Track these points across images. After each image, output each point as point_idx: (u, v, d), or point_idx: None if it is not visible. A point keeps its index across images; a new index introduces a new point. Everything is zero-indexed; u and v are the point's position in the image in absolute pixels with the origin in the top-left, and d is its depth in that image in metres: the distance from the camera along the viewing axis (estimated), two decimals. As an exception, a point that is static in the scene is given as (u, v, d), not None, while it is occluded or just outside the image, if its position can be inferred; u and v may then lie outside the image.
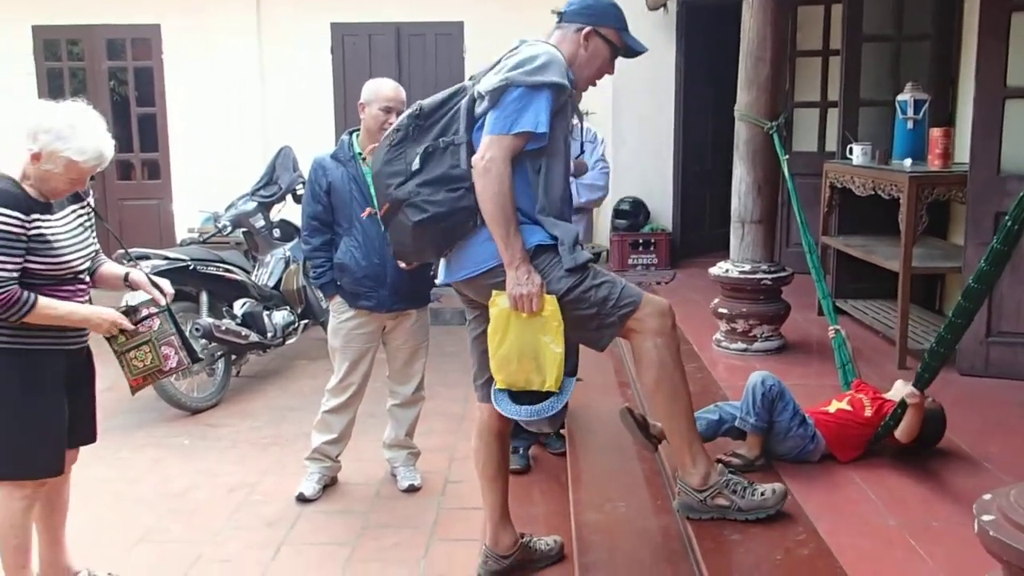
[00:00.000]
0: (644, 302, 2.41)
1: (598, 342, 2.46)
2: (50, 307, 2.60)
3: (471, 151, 2.38)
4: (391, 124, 3.52)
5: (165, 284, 2.97)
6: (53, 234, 2.63)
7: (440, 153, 2.41)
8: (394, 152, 2.44)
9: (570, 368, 2.50)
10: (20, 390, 2.63)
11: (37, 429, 2.68)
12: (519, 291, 2.31)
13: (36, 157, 2.57)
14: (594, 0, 2.52)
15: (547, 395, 2.39)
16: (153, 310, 2.90)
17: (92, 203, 2.91)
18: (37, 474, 2.72)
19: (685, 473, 2.51)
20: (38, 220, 2.59)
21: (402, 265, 3.56)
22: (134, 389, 2.98)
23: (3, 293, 2.50)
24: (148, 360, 2.90)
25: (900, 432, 2.80)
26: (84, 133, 2.60)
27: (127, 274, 2.93)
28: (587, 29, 2.49)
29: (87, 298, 2.81)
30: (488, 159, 2.31)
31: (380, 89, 3.60)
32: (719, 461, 2.72)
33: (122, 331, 2.83)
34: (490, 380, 2.53)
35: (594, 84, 2.60)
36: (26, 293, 2.55)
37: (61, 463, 2.76)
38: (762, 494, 2.48)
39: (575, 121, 2.86)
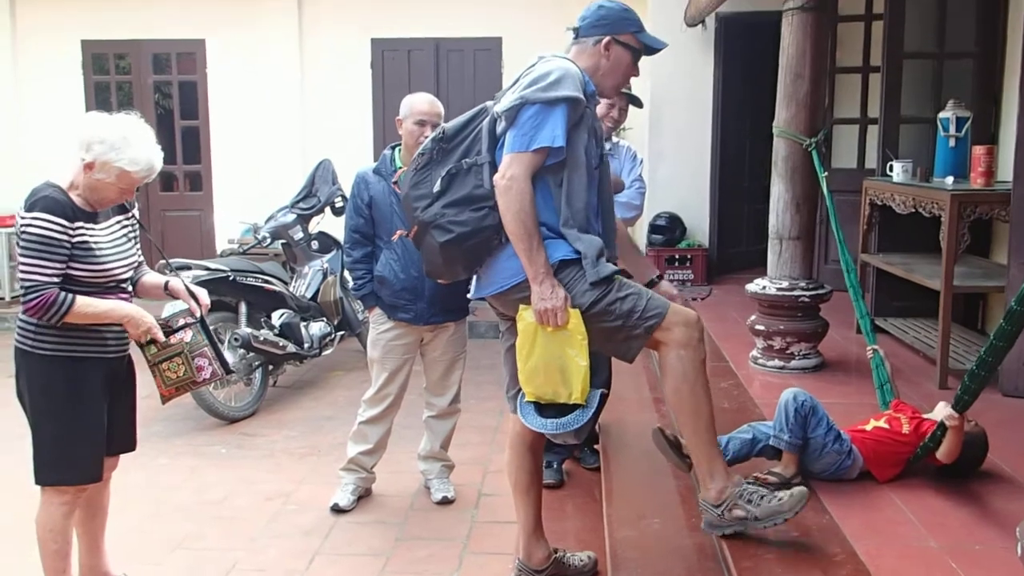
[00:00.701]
0: (671, 313, 2.41)
1: (626, 354, 2.46)
2: (89, 305, 2.65)
3: (493, 170, 2.42)
4: (427, 137, 3.59)
5: (202, 294, 3.01)
6: (96, 242, 2.69)
7: (464, 174, 2.47)
8: (420, 176, 2.50)
9: (601, 381, 2.51)
10: (62, 397, 2.69)
11: (77, 435, 2.72)
12: (543, 305, 2.33)
13: (89, 167, 2.63)
14: (606, 11, 2.56)
15: (573, 408, 2.40)
16: (189, 320, 2.94)
17: (137, 214, 2.96)
18: (77, 480, 2.77)
19: (704, 488, 2.49)
20: (82, 228, 2.65)
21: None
22: (165, 399, 3.00)
23: (39, 297, 2.56)
24: (181, 372, 2.93)
25: (941, 454, 2.76)
26: (136, 144, 2.67)
27: (167, 283, 2.98)
28: (606, 39, 2.53)
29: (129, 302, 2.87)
30: (509, 177, 2.35)
31: (414, 103, 3.65)
32: (755, 480, 2.69)
33: (154, 342, 2.87)
34: (520, 392, 2.54)
35: (623, 88, 2.63)
36: (63, 294, 2.59)
37: (100, 469, 2.80)
38: (779, 500, 2.40)
39: (616, 139, 2.87)
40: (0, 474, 4.13)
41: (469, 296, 2.70)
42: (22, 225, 2.59)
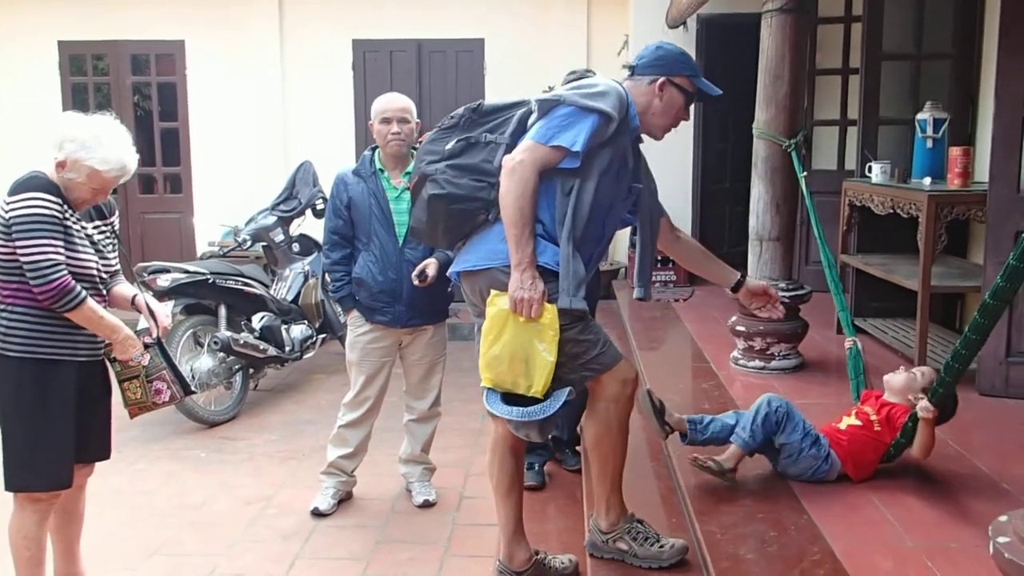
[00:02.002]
0: (613, 370, 2.49)
1: (558, 383, 2.46)
2: (97, 310, 2.63)
3: (507, 153, 2.45)
4: (394, 133, 3.60)
5: (162, 316, 2.96)
6: (76, 232, 2.66)
7: (479, 147, 2.53)
8: (441, 135, 2.58)
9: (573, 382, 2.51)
10: (31, 400, 2.64)
11: (47, 440, 2.67)
12: (520, 294, 2.33)
13: (61, 165, 2.61)
14: (664, 51, 2.58)
15: (538, 400, 2.40)
16: (147, 340, 2.88)
17: (116, 223, 2.93)
18: (47, 486, 2.72)
19: (599, 516, 2.68)
20: (68, 212, 2.63)
21: (416, 282, 3.59)
22: (131, 415, 2.96)
23: (60, 277, 2.52)
24: (138, 394, 2.89)
25: (916, 450, 2.78)
26: (108, 144, 2.65)
27: (134, 296, 2.93)
28: (661, 80, 2.54)
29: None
30: (518, 161, 2.38)
31: (377, 103, 3.67)
32: (694, 459, 2.80)
33: (116, 360, 2.83)
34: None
35: (671, 130, 2.66)
36: (79, 286, 2.57)
37: (70, 475, 2.74)
38: (660, 547, 2.59)
39: None
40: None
41: (449, 273, 2.69)
42: (14, 208, 2.52)
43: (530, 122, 2.51)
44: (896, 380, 2.96)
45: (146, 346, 2.87)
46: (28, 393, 2.64)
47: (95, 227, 2.79)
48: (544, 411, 2.38)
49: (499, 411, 2.44)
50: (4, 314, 2.62)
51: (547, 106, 2.44)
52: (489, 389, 2.47)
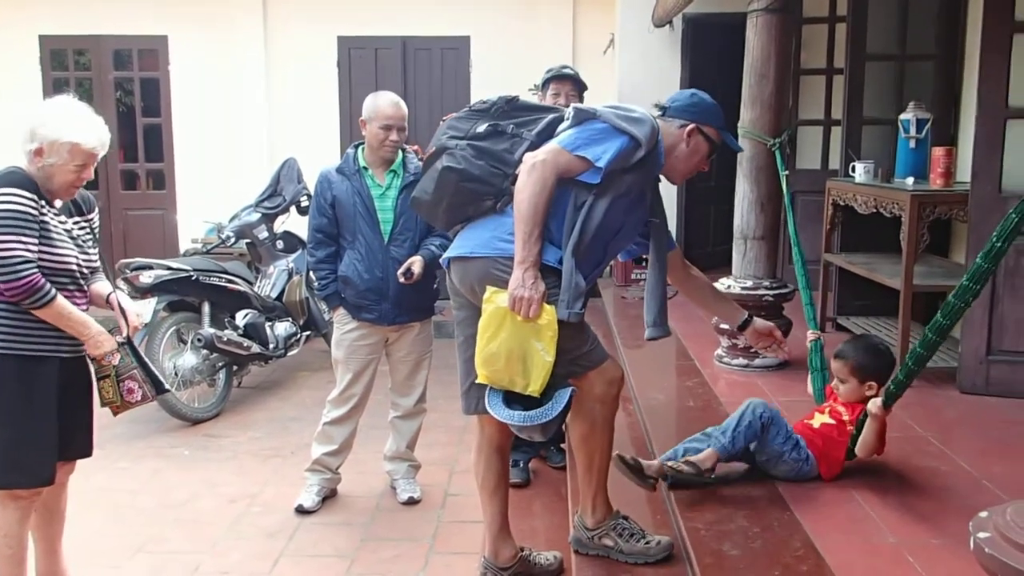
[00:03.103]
0: (599, 369, 2.50)
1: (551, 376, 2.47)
2: (66, 307, 2.61)
3: (530, 151, 2.46)
4: (392, 141, 3.59)
5: (133, 315, 2.93)
6: (54, 228, 2.64)
7: (506, 137, 2.55)
8: (471, 115, 2.62)
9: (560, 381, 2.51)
10: (12, 396, 2.62)
11: (28, 437, 2.65)
12: (521, 293, 2.32)
13: (38, 153, 2.59)
14: (699, 99, 2.60)
15: (540, 402, 2.39)
16: (118, 339, 2.85)
17: (96, 219, 2.90)
18: (28, 483, 2.69)
19: (584, 514, 2.69)
20: (45, 208, 2.61)
21: (402, 280, 3.59)
22: (114, 412, 2.92)
23: (31, 275, 2.50)
24: (110, 394, 2.85)
25: (860, 447, 2.78)
26: (80, 117, 2.65)
27: (109, 294, 2.90)
28: (691, 126, 2.56)
29: (86, 307, 2.80)
30: (540, 160, 2.37)
31: (380, 107, 3.62)
32: (670, 466, 2.76)
33: (92, 358, 2.80)
34: (475, 385, 2.52)
35: (688, 177, 2.70)
36: (49, 284, 2.55)
37: (52, 473, 2.72)
38: (647, 543, 2.60)
39: None
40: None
41: (441, 260, 2.68)
42: None
43: (560, 128, 2.52)
44: (843, 392, 2.95)
45: (118, 345, 2.84)
46: (10, 390, 2.61)
47: (75, 223, 2.77)
48: (547, 414, 2.37)
49: (501, 415, 2.42)
50: None
51: (582, 116, 2.46)
52: (490, 391, 2.45)
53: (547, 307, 2.34)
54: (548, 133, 2.54)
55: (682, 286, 2.97)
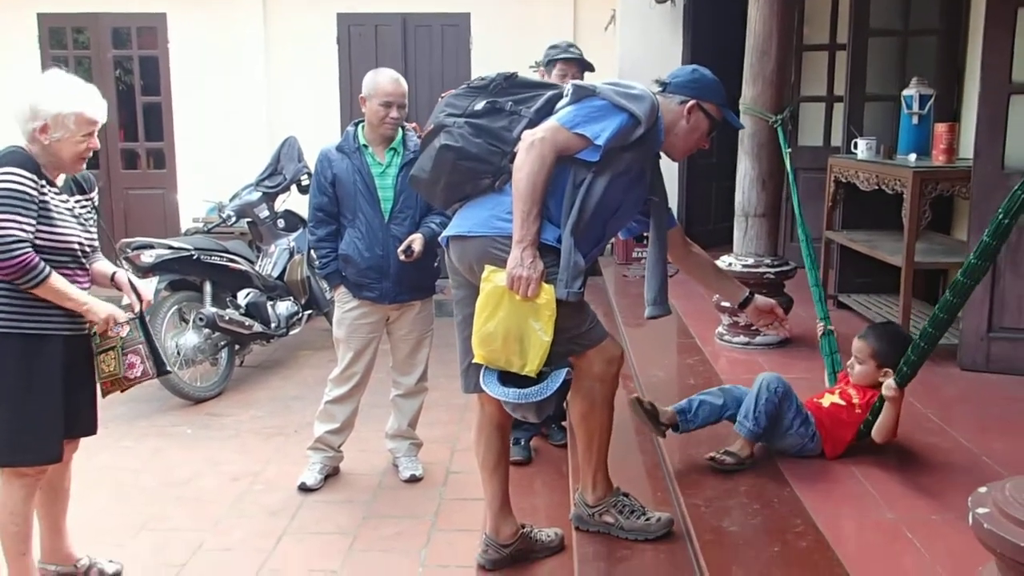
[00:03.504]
0: (599, 348, 2.49)
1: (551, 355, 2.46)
2: (62, 284, 2.62)
3: (528, 128, 2.45)
4: (392, 118, 3.57)
5: (146, 291, 2.96)
6: (56, 207, 2.65)
7: (504, 114, 2.53)
8: (468, 92, 2.59)
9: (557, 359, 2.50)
10: (16, 375, 2.63)
11: (34, 415, 2.67)
12: (519, 272, 2.31)
13: (43, 130, 2.60)
14: (700, 75, 2.58)
15: (536, 381, 2.39)
16: (129, 315, 2.86)
17: (96, 199, 2.91)
18: (35, 460, 2.72)
19: (585, 491, 2.70)
20: (46, 188, 2.62)
21: (402, 257, 3.59)
22: (104, 392, 2.92)
23: (24, 254, 2.51)
24: (111, 367, 2.85)
25: (876, 431, 2.79)
26: (77, 88, 2.67)
27: (114, 273, 2.92)
28: (691, 103, 2.53)
29: (87, 285, 2.81)
30: (539, 138, 2.36)
31: (380, 84, 3.60)
32: (711, 459, 2.78)
33: (96, 332, 2.81)
34: (473, 364, 2.52)
35: (688, 155, 2.68)
36: (43, 263, 2.55)
37: (59, 450, 2.75)
38: (647, 519, 2.61)
39: None
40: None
41: (440, 238, 2.67)
42: None
43: (559, 105, 2.50)
44: (857, 373, 2.96)
45: (127, 320, 2.85)
46: (14, 368, 2.63)
47: (76, 201, 2.77)
48: (542, 392, 2.36)
49: (496, 393, 2.41)
50: None
51: (581, 93, 2.44)
52: (486, 369, 2.44)
53: (545, 286, 2.33)
54: (547, 110, 2.52)
55: (683, 263, 2.96)
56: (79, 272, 2.76)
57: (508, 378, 2.42)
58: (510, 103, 2.54)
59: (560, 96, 2.54)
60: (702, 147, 2.65)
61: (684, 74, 2.59)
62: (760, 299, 2.96)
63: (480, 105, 2.52)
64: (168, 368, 3.04)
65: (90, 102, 2.66)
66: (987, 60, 3.71)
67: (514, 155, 2.41)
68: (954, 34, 5.08)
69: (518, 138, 2.43)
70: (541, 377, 2.38)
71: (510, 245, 2.35)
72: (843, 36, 5.72)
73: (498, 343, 2.37)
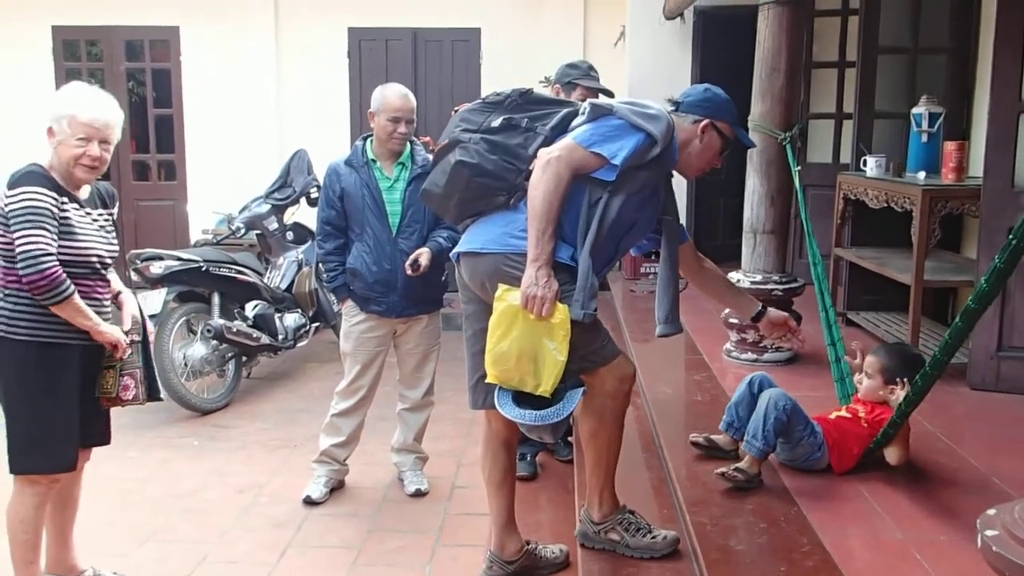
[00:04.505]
0: (612, 365, 2.48)
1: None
2: (81, 304, 2.65)
3: (544, 146, 2.44)
4: (401, 133, 3.59)
5: (148, 321, 3.01)
6: (78, 221, 2.69)
7: (520, 131, 2.52)
8: (484, 107, 2.58)
9: (577, 379, 2.50)
10: (36, 383, 2.67)
11: (51, 423, 2.70)
12: (533, 291, 2.30)
13: (50, 133, 2.66)
14: (713, 94, 2.58)
15: (550, 402, 2.38)
16: (134, 337, 2.89)
17: (115, 212, 2.95)
18: (51, 468, 2.75)
19: (591, 508, 2.68)
20: (66, 204, 2.66)
21: (409, 271, 3.59)
22: (102, 405, 2.93)
23: (53, 268, 2.55)
24: (108, 385, 2.88)
25: (891, 457, 2.80)
26: (80, 93, 2.72)
27: (119, 293, 2.94)
28: (705, 122, 2.54)
29: (108, 296, 2.85)
30: (555, 156, 2.35)
31: (388, 99, 3.62)
32: (721, 475, 2.76)
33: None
34: (482, 380, 2.51)
35: (702, 173, 2.67)
36: (68, 280, 2.59)
37: (74, 459, 2.78)
38: (653, 537, 2.59)
39: None
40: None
41: (451, 254, 2.67)
42: (11, 200, 2.58)
43: (575, 123, 2.49)
44: (864, 387, 2.96)
45: (131, 342, 2.87)
46: (33, 376, 2.67)
47: (99, 213, 2.83)
48: (558, 413, 2.35)
49: (511, 414, 2.39)
50: (10, 299, 2.66)
51: (598, 112, 2.44)
52: (500, 390, 2.43)
53: (560, 306, 2.32)
54: (562, 128, 2.51)
55: (695, 279, 2.95)
56: (99, 284, 2.80)
57: (521, 398, 2.40)
58: (525, 120, 2.53)
59: (575, 114, 2.54)
60: (715, 166, 2.65)
61: (696, 93, 2.60)
62: (773, 312, 2.94)
63: (497, 122, 2.51)
64: (160, 395, 3.05)
65: (88, 107, 2.68)
66: (996, 79, 3.71)
67: (529, 173, 2.40)
68: (964, 53, 5.08)
69: (533, 155, 2.43)
70: (555, 396, 2.36)
71: (522, 262, 2.35)
72: (852, 53, 5.72)
73: (512, 362, 2.36)
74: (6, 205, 2.59)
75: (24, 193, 2.58)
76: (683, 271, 2.81)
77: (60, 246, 2.63)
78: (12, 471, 2.75)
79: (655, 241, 2.72)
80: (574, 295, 2.35)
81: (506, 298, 2.36)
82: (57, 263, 2.57)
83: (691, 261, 2.87)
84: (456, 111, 2.77)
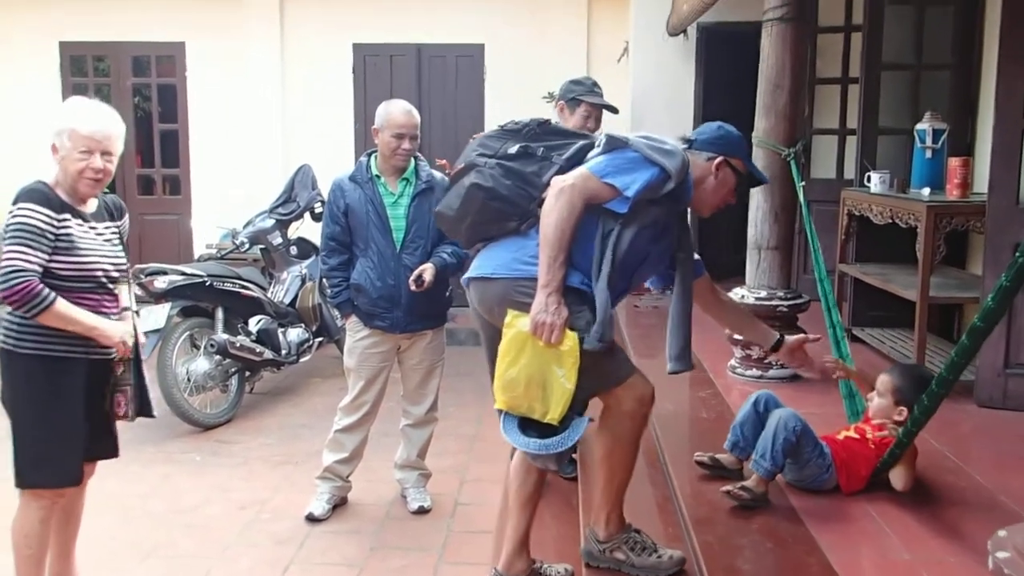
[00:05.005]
0: (628, 384, 2.45)
1: (579, 392, 2.41)
2: (66, 310, 2.63)
3: (558, 175, 2.44)
4: (404, 149, 3.59)
5: (141, 336, 2.98)
6: (81, 237, 2.69)
7: (535, 159, 2.53)
8: (502, 134, 2.59)
9: (582, 407, 2.48)
10: (42, 397, 2.68)
11: (56, 437, 2.70)
12: (543, 318, 2.29)
13: (53, 149, 2.67)
14: (725, 132, 2.59)
15: (555, 430, 2.36)
16: (128, 355, 2.87)
17: (127, 224, 2.96)
18: (56, 483, 2.75)
19: (596, 526, 2.65)
20: (68, 220, 2.66)
21: (413, 287, 3.58)
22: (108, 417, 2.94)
23: (22, 283, 2.53)
24: (105, 401, 2.88)
25: (896, 482, 2.78)
26: (81, 106, 2.74)
27: (124, 309, 2.93)
28: (719, 159, 2.53)
29: (116, 310, 2.84)
30: (569, 185, 2.35)
31: (392, 115, 3.63)
32: (727, 492, 2.74)
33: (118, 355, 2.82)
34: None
35: (717, 210, 2.65)
36: (47, 290, 2.58)
37: (79, 473, 2.78)
38: (658, 556, 2.56)
39: None
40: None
41: (462, 280, 2.67)
42: (8, 217, 2.60)
43: (590, 154, 2.50)
44: (874, 406, 2.95)
45: (124, 359, 2.86)
46: (40, 389, 2.67)
47: (107, 226, 2.83)
48: (562, 443, 2.33)
49: (516, 442, 2.38)
50: (17, 314, 2.65)
51: (613, 144, 2.44)
52: (506, 416, 2.41)
53: (569, 333, 2.30)
54: (578, 159, 2.51)
55: (712, 311, 2.94)
56: (106, 298, 2.79)
57: (527, 425, 2.39)
58: (542, 149, 2.54)
59: (591, 146, 2.54)
60: (730, 202, 2.63)
61: (710, 131, 2.60)
62: (791, 340, 2.92)
63: (514, 148, 2.52)
64: (151, 412, 3.03)
65: (88, 120, 2.68)
66: (1001, 94, 3.71)
67: (542, 200, 2.40)
68: (967, 69, 5.08)
69: (547, 184, 2.43)
70: (561, 425, 2.35)
71: (532, 288, 2.34)
72: (855, 70, 5.73)
73: (520, 389, 2.35)
74: (7, 221, 2.61)
75: (18, 210, 2.59)
76: (699, 304, 2.79)
77: (61, 261, 2.63)
78: (18, 485, 2.74)
79: (671, 277, 2.70)
80: (593, 327, 2.33)
81: (516, 324, 2.36)
82: (32, 278, 2.55)
83: (707, 294, 2.86)
84: (475, 137, 2.78)
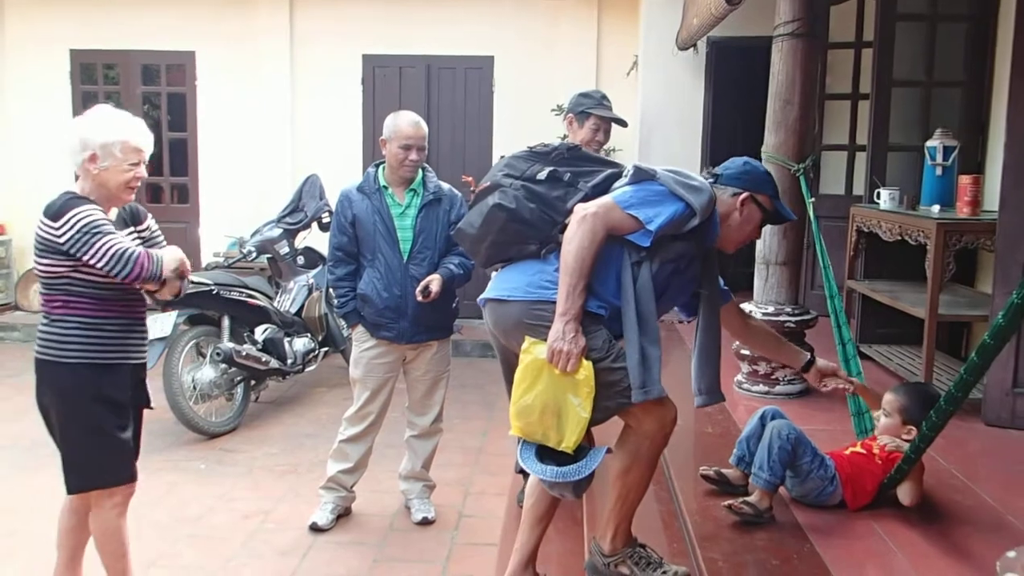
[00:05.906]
0: (650, 404, 2.39)
1: (598, 412, 2.39)
2: (164, 259, 2.74)
3: (582, 202, 2.42)
4: (412, 160, 3.60)
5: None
6: None
7: (562, 184, 2.52)
8: (530, 156, 2.59)
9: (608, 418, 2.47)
10: (89, 403, 2.73)
11: (114, 438, 2.77)
12: (559, 346, 2.27)
13: (92, 160, 2.69)
14: (752, 167, 2.57)
15: (573, 458, 2.34)
16: None
17: (153, 224, 2.99)
18: (118, 480, 2.83)
19: (602, 539, 2.62)
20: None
21: (420, 298, 3.58)
22: None
23: (136, 256, 2.62)
24: None
25: (904, 497, 2.77)
26: (122, 119, 2.78)
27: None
28: (745, 195, 2.51)
29: (142, 311, 2.89)
30: (592, 212, 2.33)
31: (400, 127, 3.63)
32: (729, 507, 2.72)
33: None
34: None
35: (741, 246, 2.63)
36: (150, 255, 2.67)
37: (132, 469, 2.89)
38: (663, 572, 2.53)
39: None
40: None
41: (478, 300, 2.66)
42: (64, 227, 2.60)
43: (617, 184, 2.49)
44: (882, 425, 2.94)
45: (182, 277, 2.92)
46: (91, 397, 2.72)
47: (128, 233, 2.84)
48: (580, 471, 2.32)
49: (534, 470, 2.37)
50: (57, 324, 2.70)
51: (641, 175, 2.42)
52: (523, 443, 2.40)
53: (585, 362, 2.29)
54: (604, 188, 2.50)
55: (740, 336, 2.93)
56: (136, 302, 2.85)
57: (545, 453, 2.38)
58: (569, 174, 2.52)
59: (619, 175, 2.53)
60: (755, 238, 2.62)
61: (735, 166, 2.57)
62: (822, 363, 2.89)
63: (543, 173, 2.51)
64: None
65: (135, 131, 2.76)
66: (1012, 112, 3.70)
67: (565, 226, 2.39)
68: (978, 86, 5.08)
69: (570, 210, 2.41)
70: (578, 453, 2.33)
71: (547, 311, 2.33)
72: (866, 86, 5.73)
73: (535, 416, 2.34)
74: (59, 236, 2.61)
75: (78, 214, 2.62)
76: (728, 330, 2.77)
77: (90, 269, 2.66)
78: (69, 492, 2.82)
79: (696, 308, 2.66)
80: (628, 377, 2.31)
81: (532, 351, 2.34)
82: (136, 250, 2.64)
83: (735, 320, 2.84)
84: (502, 157, 2.78)
